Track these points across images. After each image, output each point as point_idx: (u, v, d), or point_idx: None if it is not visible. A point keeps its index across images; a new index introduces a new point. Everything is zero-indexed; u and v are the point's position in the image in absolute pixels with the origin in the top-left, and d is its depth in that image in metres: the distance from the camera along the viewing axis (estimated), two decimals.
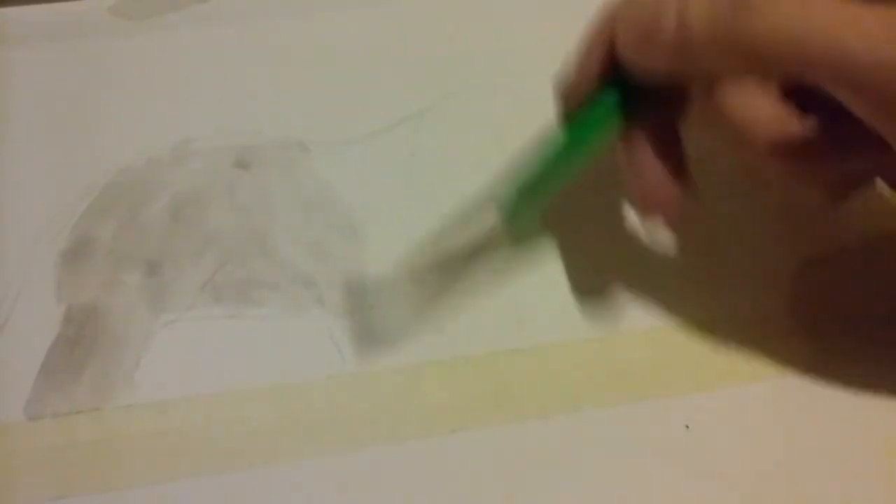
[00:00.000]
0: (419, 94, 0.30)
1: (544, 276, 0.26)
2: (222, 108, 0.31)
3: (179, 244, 0.26)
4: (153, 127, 0.30)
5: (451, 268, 0.25)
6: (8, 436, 0.22)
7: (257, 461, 0.21)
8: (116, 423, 0.22)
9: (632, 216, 0.27)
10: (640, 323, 0.25)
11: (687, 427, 0.22)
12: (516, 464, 0.22)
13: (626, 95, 0.22)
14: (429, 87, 0.31)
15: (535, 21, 0.33)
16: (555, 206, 0.28)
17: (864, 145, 0.20)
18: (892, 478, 0.22)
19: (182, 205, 0.27)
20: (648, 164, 0.22)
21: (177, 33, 0.34)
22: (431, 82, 0.31)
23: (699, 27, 0.19)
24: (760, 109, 0.20)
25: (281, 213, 0.27)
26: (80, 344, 0.23)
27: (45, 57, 0.33)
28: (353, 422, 0.22)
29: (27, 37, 0.34)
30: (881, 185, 0.23)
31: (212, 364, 0.23)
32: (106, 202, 0.27)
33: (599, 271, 0.26)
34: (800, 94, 0.20)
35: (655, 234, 0.26)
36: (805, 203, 0.27)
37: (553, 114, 0.24)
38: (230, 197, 0.28)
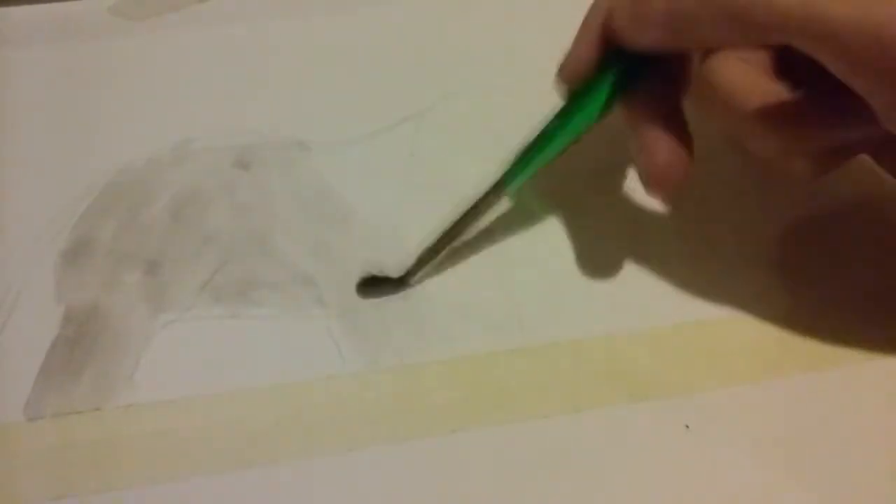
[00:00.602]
0: (419, 94, 0.30)
1: (545, 275, 0.26)
2: (222, 108, 0.31)
3: (179, 244, 0.26)
4: (153, 127, 0.30)
5: (459, 244, 0.26)
6: (8, 436, 0.22)
7: (257, 461, 0.21)
8: (116, 423, 0.22)
9: (634, 215, 0.27)
10: (641, 323, 0.25)
11: (687, 427, 0.22)
12: (516, 464, 0.22)
13: (625, 70, 0.23)
14: (429, 87, 0.31)
15: (535, 21, 0.33)
16: (556, 204, 0.28)
17: (850, 116, 0.20)
18: (893, 476, 0.22)
19: (182, 205, 0.27)
20: (650, 132, 0.23)
21: (177, 33, 0.34)
22: (431, 82, 0.31)
23: None
24: (749, 78, 0.21)
25: (281, 213, 0.27)
26: (80, 344, 0.23)
27: (45, 57, 0.33)
28: (353, 422, 0.22)
29: (27, 37, 0.34)
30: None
31: (212, 364, 0.23)
32: (106, 202, 0.27)
33: (601, 269, 0.26)
34: (793, 71, 0.21)
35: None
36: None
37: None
38: (230, 197, 0.28)
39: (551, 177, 0.29)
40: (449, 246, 0.25)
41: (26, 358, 0.23)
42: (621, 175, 0.29)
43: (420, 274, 0.25)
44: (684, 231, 0.27)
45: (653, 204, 0.28)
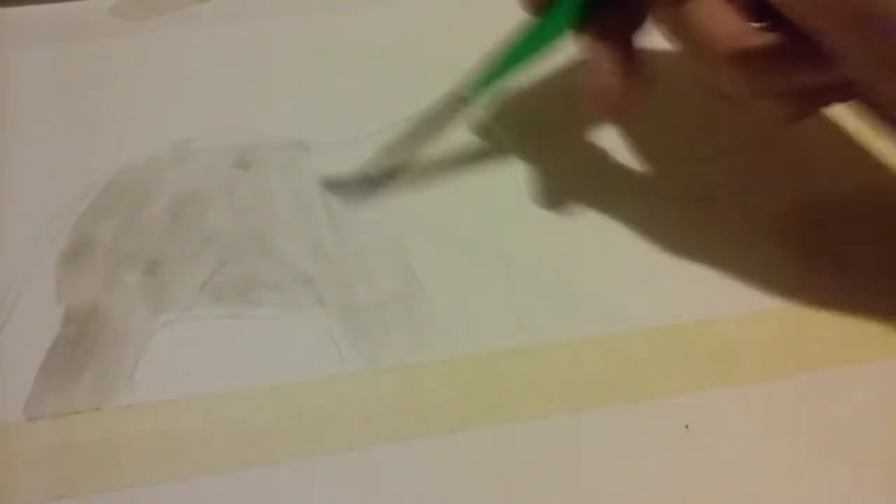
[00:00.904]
0: (419, 94, 0.30)
1: (545, 275, 0.26)
2: (222, 108, 0.31)
3: (179, 244, 0.26)
4: (153, 127, 0.30)
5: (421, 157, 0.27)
6: (8, 436, 0.22)
7: (257, 461, 0.21)
8: (116, 423, 0.22)
9: (634, 216, 0.27)
10: (641, 323, 0.25)
11: (687, 427, 0.22)
12: (516, 464, 0.22)
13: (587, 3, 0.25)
14: (429, 87, 0.31)
15: None
16: (557, 206, 0.28)
17: (823, 59, 0.21)
18: (894, 476, 0.22)
19: (182, 205, 0.27)
20: (599, 53, 0.25)
21: (177, 33, 0.34)
22: (431, 82, 0.31)
23: None
24: (723, 21, 0.22)
25: (281, 213, 0.27)
26: (80, 344, 0.23)
27: (45, 57, 0.33)
28: (353, 422, 0.22)
29: (27, 37, 0.34)
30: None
31: (212, 364, 0.23)
32: (106, 202, 0.27)
33: (601, 269, 0.26)
34: (770, 14, 0.22)
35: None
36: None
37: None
38: (230, 197, 0.28)
39: (552, 179, 0.29)
40: (410, 150, 0.27)
41: (26, 358, 0.23)
42: (624, 176, 0.29)
43: (382, 173, 0.27)
44: (685, 231, 0.27)
45: (654, 205, 0.28)
